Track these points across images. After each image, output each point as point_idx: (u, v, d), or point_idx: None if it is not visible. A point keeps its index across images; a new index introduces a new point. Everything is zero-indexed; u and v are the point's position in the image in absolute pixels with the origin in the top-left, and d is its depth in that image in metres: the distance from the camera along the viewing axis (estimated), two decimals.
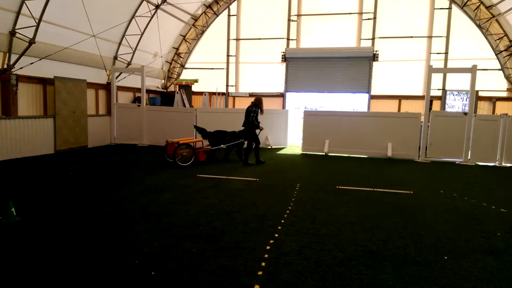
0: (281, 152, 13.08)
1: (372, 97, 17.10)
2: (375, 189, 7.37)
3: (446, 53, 16.52)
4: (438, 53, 16.61)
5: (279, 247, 4.28)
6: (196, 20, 18.47)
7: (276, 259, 3.97)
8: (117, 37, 14.43)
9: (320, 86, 17.39)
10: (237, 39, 18.51)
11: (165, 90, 18.97)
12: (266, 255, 4.05)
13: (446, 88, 16.74)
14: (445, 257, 4.13)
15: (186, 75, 19.04)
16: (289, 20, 17.71)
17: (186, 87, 17.50)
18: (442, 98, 16.69)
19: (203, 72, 18.82)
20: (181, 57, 19.13)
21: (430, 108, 13.67)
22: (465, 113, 11.70)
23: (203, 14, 18.40)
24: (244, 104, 18.71)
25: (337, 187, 7.51)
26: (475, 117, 11.68)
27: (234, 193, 6.85)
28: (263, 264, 3.84)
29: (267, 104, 18.20)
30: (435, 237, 4.77)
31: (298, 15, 17.72)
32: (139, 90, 15.07)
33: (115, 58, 14.61)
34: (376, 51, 16.57)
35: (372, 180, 8.42)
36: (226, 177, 8.15)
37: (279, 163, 10.62)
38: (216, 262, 3.86)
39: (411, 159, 11.86)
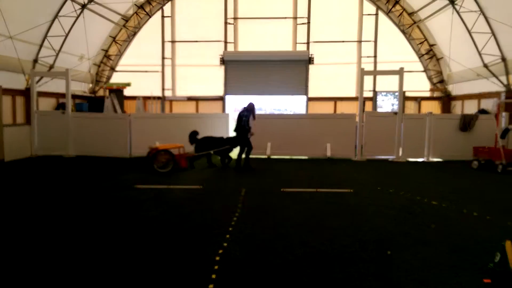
0: None
1: (310, 99, 17.67)
2: (318, 190, 7.52)
3: (375, 56, 17.64)
4: (368, 57, 17.67)
5: (228, 257, 4.12)
6: (127, 21, 17.61)
7: (226, 269, 3.81)
8: (38, 39, 13.21)
9: (259, 89, 17.56)
10: (173, 41, 18.02)
11: (93, 95, 17.77)
12: (216, 267, 3.87)
13: (377, 89, 17.85)
14: (388, 252, 4.29)
15: (117, 79, 18.02)
16: (226, 23, 17.65)
17: (117, 92, 16.50)
18: (373, 99, 17.77)
19: (136, 76, 17.95)
20: (111, 60, 18.10)
21: (364, 109, 14.44)
22: (395, 113, 12.53)
23: (135, 14, 17.61)
24: (182, 108, 18.24)
25: (282, 189, 7.54)
26: (404, 116, 12.57)
27: (177, 203, 6.55)
28: (213, 276, 3.65)
29: (206, 108, 18.04)
30: (377, 233, 4.96)
31: (235, 18, 17.74)
32: (63, 95, 13.61)
33: (36, 61, 13.34)
34: (312, 54, 17.14)
35: (314, 180, 8.61)
36: (167, 186, 7.78)
37: (219, 169, 10.44)
38: (162, 278, 3.59)
39: (349, 158, 12.40)
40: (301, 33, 17.67)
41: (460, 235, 4.86)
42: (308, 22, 17.51)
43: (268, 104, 20.43)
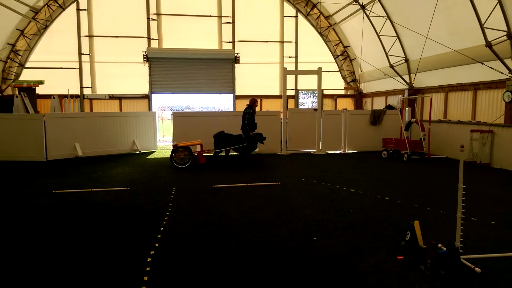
0: (151, 156, 12.50)
1: (237, 97, 17.91)
2: (248, 184, 7.73)
3: (296, 56, 18.52)
4: (290, 57, 18.48)
5: (160, 257, 4.07)
6: (37, 13, 15.99)
7: (159, 270, 3.76)
8: None
9: (186, 87, 17.30)
10: (90, 36, 16.83)
11: (0, 94, 15.87)
12: (147, 268, 3.79)
13: (298, 87, 18.78)
14: (314, 238, 4.61)
15: (27, 76, 16.29)
16: (148, 18, 17.03)
17: (28, 90, 14.94)
18: (295, 97, 18.66)
19: (50, 73, 16.47)
20: (19, 55, 16.30)
21: (287, 106, 15.10)
22: (315, 109, 13.34)
23: (46, 6, 16.07)
24: (104, 107, 17.19)
25: (213, 186, 7.59)
26: (323, 112, 13.45)
27: (102, 206, 6.20)
28: (145, 278, 3.58)
29: (130, 107, 17.23)
30: (304, 221, 5.29)
31: (158, 14, 17.20)
32: None
33: None
34: (237, 53, 17.38)
35: (244, 175, 8.80)
36: (90, 190, 7.31)
37: (150, 168, 10.12)
38: None
39: (275, 153, 12.91)
40: (227, 32, 17.81)
41: (375, 218, 5.41)
42: (233, 21, 17.71)
43: (195, 102, 20.23)
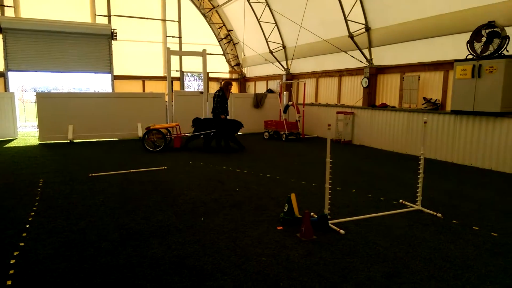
0: (10, 144, 10.75)
1: (116, 78, 16.58)
2: (131, 170, 7.33)
3: (180, 37, 18.01)
4: (173, 37, 17.85)
5: (26, 258, 3.58)
6: None
7: (24, 272, 3.31)
8: None
9: (53, 64, 15.18)
10: None
11: None
12: (11, 271, 3.30)
13: (184, 69, 18.37)
14: (202, 219, 4.67)
15: None
16: None
17: None
18: (180, 79, 18.23)
19: None
20: None
21: (172, 88, 14.67)
22: (201, 92, 13.29)
23: None
24: None
25: (90, 175, 6.96)
26: (209, 95, 13.48)
27: None
28: (8, 283, 3.11)
29: None
30: (192, 203, 5.30)
31: None
32: None
33: None
34: (114, 29, 15.98)
35: (127, 161, 8.31)
36: None
37: (10, 158, 8.71)
38: None
39: None
40: (101, 4, 16.17)
41: (258, 194, 5.75)
42: None
43: (66, 83, 17.98)
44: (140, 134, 12.03)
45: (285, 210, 4.59)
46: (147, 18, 17.13)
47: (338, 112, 11.95)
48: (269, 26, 15.20)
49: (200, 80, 19.39)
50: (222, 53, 19.34)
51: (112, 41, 15.87)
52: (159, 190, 6.01)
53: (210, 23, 18.63)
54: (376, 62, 11.21)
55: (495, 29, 7.51)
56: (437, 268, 3.38)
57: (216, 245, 3.88)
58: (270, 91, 16.46)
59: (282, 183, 6.55)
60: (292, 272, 3.28)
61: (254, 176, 7.05)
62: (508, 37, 7.42)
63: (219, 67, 19.24)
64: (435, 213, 4.84)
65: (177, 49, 17.59)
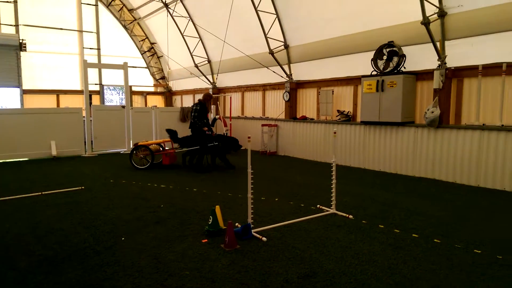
0: None
1: (25, 92, 15.20)
2: (43, 193, 6.76)
3: (99, 49, 17.20)
4: (91, 48, 16.99)
5: None
6: None
7: None
8: None
9: None
10: None
11: None
12: None
13: (103, 83, 17.52)
14: (123, 238, 4.50)
15: None
16: None
17: None
18: (100, 93, 17.34)
19: None
20: None
21: (91, 103, 13.90)
22: (123, 106, 12.80)
23: None
24: None
25: None
26: (132, 110, 13.04)
27: None
28: None
29: None
30: (112, 223, 5.07)
31: None
32: None
33: None
34: (23, 40, 14.71)
35: (38, 183, 7.64)
36: None
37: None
38: None
39: (79, 155, 11.71)
40: (7, 13, 14.78)
41: (184, 209, 5.71)
42: (15, 1, 14.85)
43: None
44: (54, 153, 11.14)
45: (209, 223, 4.63)
46: (61, 29, 16.08)
47: (263, 125, 12.38)
48: (194, 40, 15.29)
49: (123, 94, 18.63)
50: (145, 66, 18.88)
51: (21, 52, 14.57)
52: (75, 212, 5.64)
53: (132, 35, 18.12)
54: (296, 77, 11.92)
55: (394, 48, 8.53)
56: (347, 265, 3.71)
57: (137, 264, 3.78)
58: None
59: (208, 196, 6.58)
60: (214, 283, 3.34)
61: (179, 191, 6.97)
62: (404, 55, 8.47)
63: (143, 80, 18.73)
64: (347, 215, 5.29)
65: (96, 61, 16.75)
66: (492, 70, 7.23)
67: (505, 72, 6.99)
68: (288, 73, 11.91)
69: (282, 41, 11.63)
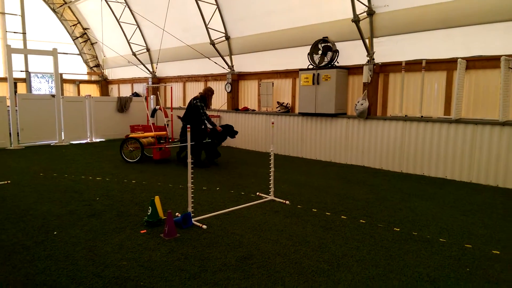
0: None
1: None
2: None
3: (24, 33, 15.79)
4: (15, 32, 15.54)
5: None
6: None
7: None
8: None
9: None
10: None
11: None
12: None
13: (30, 70, 16.15)
14: (55, 232, 4.32)
15: None
16: None
17: None
18: (27, 80, 15.98)
19: None
20: None
21: (16, 91, 12.79)
22: (53, 95, 11.97)
23: None
24: None
25: None
26: (63, 99, 12.24)
27: None
28: None
29: None
30: (42, 218, 4.82)
31: None
32: None
33: None
34: None
35: None
36: None
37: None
38: None
39: (3, 148, 10.78)
40: None
41: (122, 202, 5.59)
42: None
43: None
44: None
45: (149, 213, 4.61)
46: None
47: None
48: (131, 27, 14.67)
49: (53, 82, 17.35)
50: (78, 52, 17.72)
51: None
52: (1, 207, 5.25)
53: (62, 19, 16.87)
54: (237, 68, 12.04)
55: (328, 44, 8.99)
56: (282, 246, 3.95)
57: (71, 257, 3.67)
58: (136, 94, 15.87)
59: (148, 187, 6.49)
60: (153, 271, 3.38)
61: (116, 183, 6.78)
62: (338, 51, 8.97)
63: (76, 68, 17.58)
64: (284, 201, 5.58)
65: (22, 46, 15.36)
66: (413, 66, 7.98)
67: (425, 68, 7.75)
68: (230, 64, 11.99)
69: (223, 33, 11.65)
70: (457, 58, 7.14)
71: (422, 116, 7.78)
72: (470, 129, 7.08)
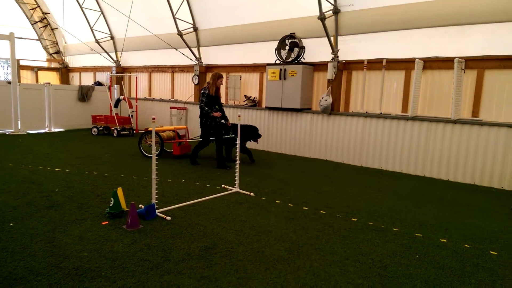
0: None
1: None
2: None
3: None
4: None
5: None
6: None
7: None
8: None
9: None
10: None
11: None
12: None
13: None
14: (11, 224, 4.17)
15: None
16: None
17: None
18: None
19: None
20: None
21: None
22: (9, 82, 11.34)
23: None
24: None
25: None
26: (20, 86, 11.63)
27: None
28: None
29: None
30: None
31: None
32: None
33: None
34: None
35: None
36: None
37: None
38: None
39: None
40: None
41: (82, 193, 5.46)
42: None
43: None
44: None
45: (110, 205, 4.55)
46: None
47: (171, 107, 12.19)
48: (94, 14, 14.12)
49: (9, 68, 16.39)
50: (37, 38, 16.82)
51: None
52: None
53: (19, 2, 15.92)
54: (205, 61, 11.95)
55: (295, 40, 9.15)
56: (245, 236, 4.05)
57: (29, 248, 3.57)
58: (98, 83, 15.34)
59: (110, 179, 6.37)
60: (115, 262, 3.36)
61: (77, 174, 6.59)
62: (304, 47, 9.15)
63: (34, 54, 16.69)
64: (249, 193, 5.68)
65: None
66: (375, 64, 8.31)
67: (385, 67, 8.10)
68: (198, 56, 11.87)
69: (191, 23, 11.51)
70: (415, 58, 7.52)
71: (381, 113, 8.14)
72: (425, 126, 7.51)
